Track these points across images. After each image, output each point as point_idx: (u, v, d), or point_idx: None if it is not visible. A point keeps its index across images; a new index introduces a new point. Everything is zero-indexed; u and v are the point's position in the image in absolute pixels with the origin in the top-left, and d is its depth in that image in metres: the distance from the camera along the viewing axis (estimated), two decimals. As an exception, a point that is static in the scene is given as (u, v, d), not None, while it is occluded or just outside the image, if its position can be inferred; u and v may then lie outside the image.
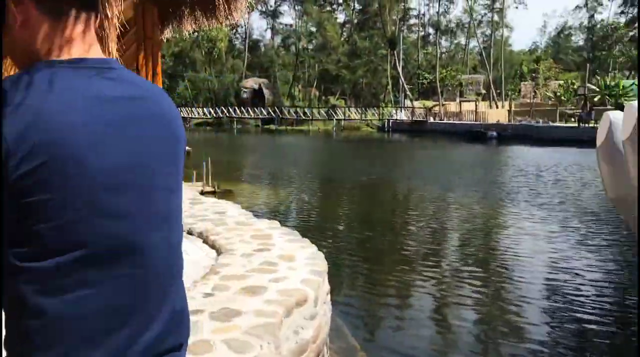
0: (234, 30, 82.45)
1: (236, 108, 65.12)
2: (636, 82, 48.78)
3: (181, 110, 67.48)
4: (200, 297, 4.33)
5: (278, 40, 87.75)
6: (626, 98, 52.01)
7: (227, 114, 64.04)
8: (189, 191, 11.68)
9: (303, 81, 78.47)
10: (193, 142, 38.65)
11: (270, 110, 62.89)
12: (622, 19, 56.79)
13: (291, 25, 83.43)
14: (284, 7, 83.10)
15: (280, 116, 61.63)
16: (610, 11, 65.11)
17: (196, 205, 9.31)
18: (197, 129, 61.05)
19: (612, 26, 67.34)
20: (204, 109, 67.34)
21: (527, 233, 11.16)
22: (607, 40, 69.36)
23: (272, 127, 60.27)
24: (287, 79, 77.98)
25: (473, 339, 6.37)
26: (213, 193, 16.78)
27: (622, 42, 67.88)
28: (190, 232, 6.98)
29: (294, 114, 62.10)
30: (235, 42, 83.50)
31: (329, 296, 5.37)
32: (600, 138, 4.81)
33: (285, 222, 10.83)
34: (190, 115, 66.29)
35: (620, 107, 40.44)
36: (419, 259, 9.60)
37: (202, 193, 16.77)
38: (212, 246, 6.42)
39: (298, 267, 5.21)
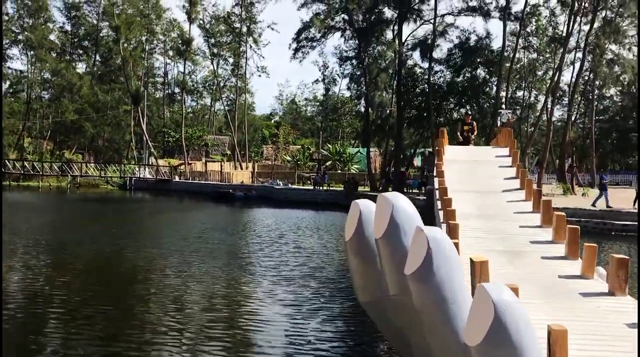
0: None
1: (-56, 159, 55.34)
2: (361, 150, 54.82)
3: None
4: None
5: (5, 85, 78.21)
6: (352, 163, 58.13)
7: None
8: None
9: (35, 132, 70.72)
10: None
11: (-9, 163, 54.72)
12: (348, 94, 64.36)
13: (21, 72, 75.22)
14: (14, 51, 74.44)
15: (4, 170, 54.03)
16: (339, 87, 72.77)
17: None
18: None
19: (342, 100, 75.52)
20: None
21: (269, 320, 10.25)
22: (336, 112, 77.49)
23: (-7, 182, 52.45)
24: (15, 128, 69.36)
25: None
26: None
27: (349, 114, 76.41)
28: None
29: (20, 168, 55.06)
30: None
31: None
32: (349, 231, 4.26)
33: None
34: None
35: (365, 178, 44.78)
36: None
37: None
38: None
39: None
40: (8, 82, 78.24)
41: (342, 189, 40.80)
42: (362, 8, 42.14)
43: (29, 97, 70.92)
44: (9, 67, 76.08)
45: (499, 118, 21.51)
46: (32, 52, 70.20)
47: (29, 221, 25.20)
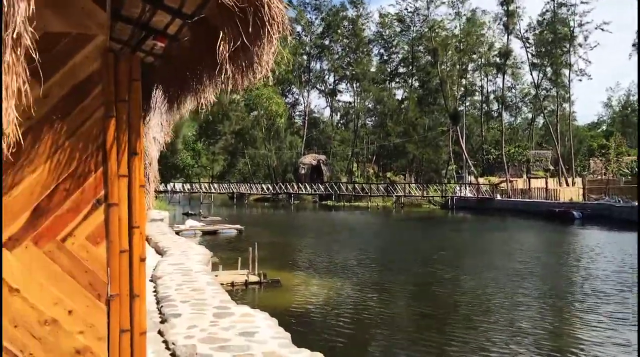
0: (293, 108, 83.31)
1: (294, 184, 64.21)
2: None
3: (240, 187, 67.26)
4: None
5: (337, 117, 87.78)
6: None
7: (285, 190, 63.07)
8: (223, 287, 9.48)
9: (361, 157, 77.24)
10: (248, 220, 37.05)
11: (328, 186, 61.39)
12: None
13: (349, 103, 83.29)
14: (342, 86, 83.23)
15: (338, 192, 59.98)
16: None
17: (222, 318, 7.23)
18: (255, 205, 60.04)
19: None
20: (263, 185, 66.94)
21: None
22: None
23: (330, 203, 58.58)
24: (345, 154, 76.96)
25: None
26: (258, 284, 14.82)
27: None
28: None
29: (351, 190, 60.34)
30: (296, 120, 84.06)
31: None
32: None
33: (336, 344, 8.48)
34: (249, 191, 65.93)
35: None
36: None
37: (247, 284, 14.83)
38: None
39: None
40: (339, 114, 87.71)
41: None
42: None
43: (356, 126, 77.88)
44: (338, 100, 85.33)
45: None
46: (357, 84, 77.14)
47: (366, 239, 26.66)
